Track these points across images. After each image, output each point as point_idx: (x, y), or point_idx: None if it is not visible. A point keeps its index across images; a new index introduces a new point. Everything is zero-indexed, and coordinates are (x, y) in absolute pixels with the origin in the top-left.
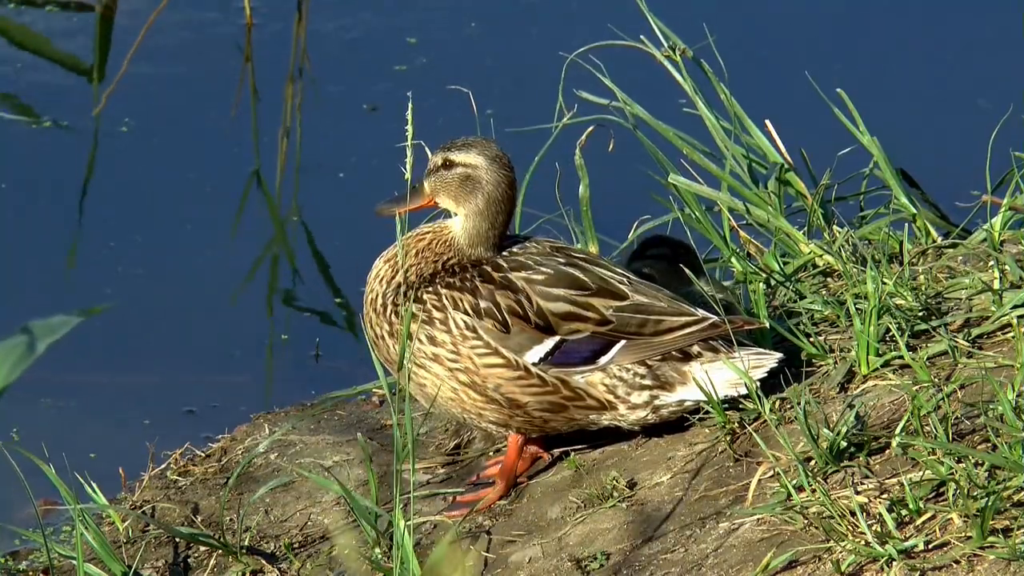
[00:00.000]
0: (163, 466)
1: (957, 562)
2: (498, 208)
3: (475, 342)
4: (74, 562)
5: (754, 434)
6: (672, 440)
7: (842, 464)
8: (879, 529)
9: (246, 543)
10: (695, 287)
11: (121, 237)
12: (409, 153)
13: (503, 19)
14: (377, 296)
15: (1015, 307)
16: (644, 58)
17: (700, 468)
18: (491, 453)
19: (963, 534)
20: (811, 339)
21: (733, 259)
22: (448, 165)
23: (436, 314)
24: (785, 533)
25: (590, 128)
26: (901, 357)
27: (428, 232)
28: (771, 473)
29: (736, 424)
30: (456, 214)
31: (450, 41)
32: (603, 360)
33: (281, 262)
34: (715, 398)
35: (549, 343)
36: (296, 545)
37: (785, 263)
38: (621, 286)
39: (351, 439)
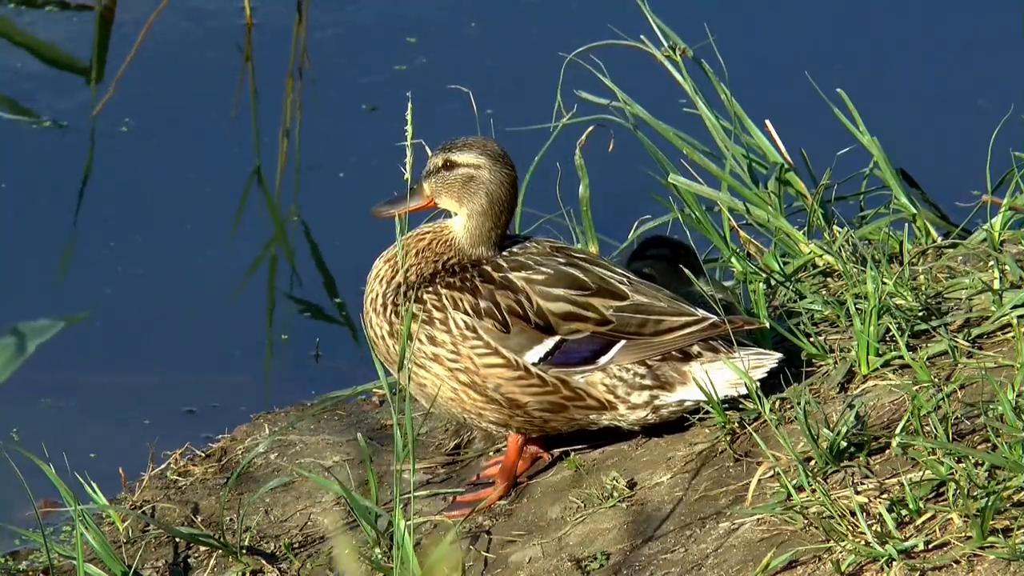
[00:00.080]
0: (163, 466)
1: (957, 562)
2: (501, 207)
3: (475, 342)
4: (74, 562)
5: (754, 434)
6: (672, 440)
7: (842, 464)
8: (879, 529)
9: (246, 543)
10: (695, 287)
11: (121, 237)
12: (409, 153)
13: (503, 19)
14: (377, 296)
15: (1015, 307)
16: (644, 58)
17: (700, 468)
18: (491, 453)
19: (963, 534)
20: (811, 339)
21: (733, 259)
22: (449, 166)
23: (436, 314)
24: (785, 533)
25: (590, 128)
26: (901, 357)
27: (428, 232)
28: (771, 473)
29: (736, 424)
30: (457, 214)
31: (450, 41)
32: (603, 360)
33: (281, 262)
34: (715, 398)
35: (549, 343)
36: (296, 545)
37: (785, 263)
38: (621, 286)
39: (351, 439)
